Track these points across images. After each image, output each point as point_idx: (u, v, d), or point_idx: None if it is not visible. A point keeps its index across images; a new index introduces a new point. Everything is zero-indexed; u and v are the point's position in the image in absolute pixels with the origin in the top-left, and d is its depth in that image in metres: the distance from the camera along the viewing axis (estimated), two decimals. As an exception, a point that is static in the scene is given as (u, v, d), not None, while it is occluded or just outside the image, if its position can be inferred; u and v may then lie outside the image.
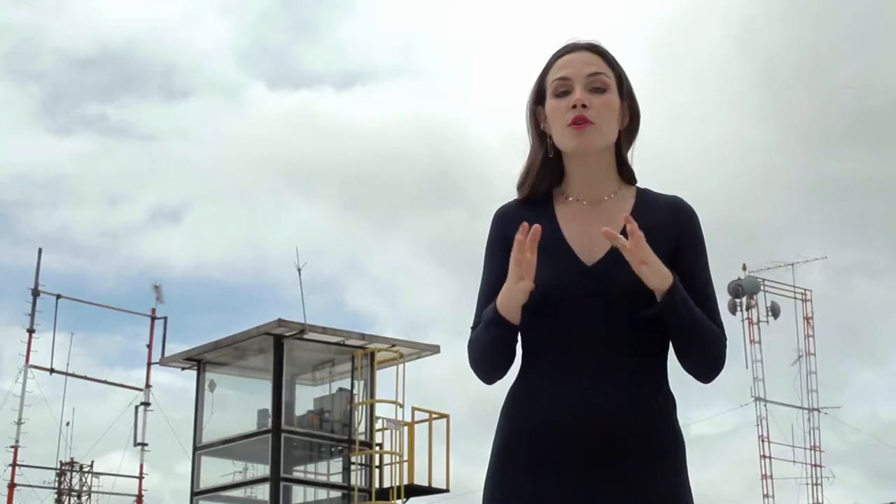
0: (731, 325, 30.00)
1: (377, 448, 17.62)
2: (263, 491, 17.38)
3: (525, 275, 2.54)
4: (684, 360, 2.66)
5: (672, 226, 2.71)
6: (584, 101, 2.67)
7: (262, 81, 55.40)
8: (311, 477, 18.03)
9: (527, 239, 2.53)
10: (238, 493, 18.18)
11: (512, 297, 2.56)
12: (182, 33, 51.03)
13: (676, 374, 2.70)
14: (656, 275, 2.54)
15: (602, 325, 2.58)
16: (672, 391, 2.68)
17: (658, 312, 2.56)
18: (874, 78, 39.64)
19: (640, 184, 2.81)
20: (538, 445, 2.59)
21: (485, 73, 52.22)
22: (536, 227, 2.54)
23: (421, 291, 46.15)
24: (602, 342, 2.59)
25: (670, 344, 2.66)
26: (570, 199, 2.76)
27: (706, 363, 2.66)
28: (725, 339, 2.69)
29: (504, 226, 2.75)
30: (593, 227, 2.67)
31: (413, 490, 17.42)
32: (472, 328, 2.74)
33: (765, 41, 43.15)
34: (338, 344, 17.83)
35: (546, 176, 2.77)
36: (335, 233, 45.28)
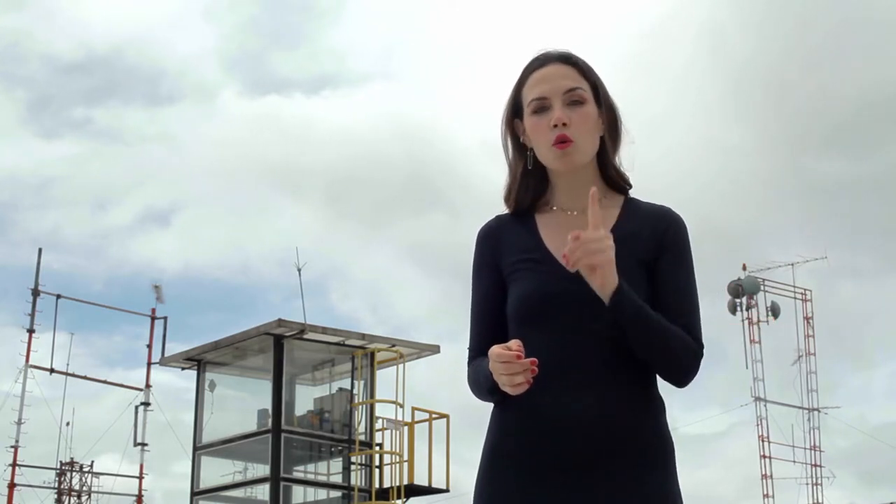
0: (731, 325, 30.03)
1: (377, 448, 17.63)
2: (263, 491, 17.39)
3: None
4: (650, 365, 2.65)
5: (652, 234, 2.71)
6: (563, 120, 2.67)
7: (246, 86, 55.66)
8: (311, 477, 18.04)
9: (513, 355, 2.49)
10: (238, 493, 18.19)
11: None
12: (168, 39, 51.34)
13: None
14: (605, 280, 2.51)
15: (588, 330, 2.58)
16: (661, 394, 2.69)
17: (609, 317, 2.55)
18: (846, 84, 39.97)
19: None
20: (527, 449, 2.60)
21: (466, 78, 52.56)
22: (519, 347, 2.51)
23: (404, 295, 46.39)
24: (588, 348, 2.59)
25: None
26: (555, 208, 2.78)
27: (669, 368, 2.64)
28: (700, 349, 2.67)
29: (486, 246, 2.78)
30: None
31: (413, 490, 17.43)
32: (469, 354, 2.77)
33: (737, 49, 43.58)
34: (338, 344, 17.84)
35: (530, 187, 2.78)
36: (319, 236, 45.62)
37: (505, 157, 2.83)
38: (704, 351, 2.69)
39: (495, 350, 2.51)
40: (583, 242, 2.49)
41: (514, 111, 2.79)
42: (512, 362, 2.48)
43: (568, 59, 2.76)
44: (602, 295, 2.54)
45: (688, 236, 2.75)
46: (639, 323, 2.56)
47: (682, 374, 2.65)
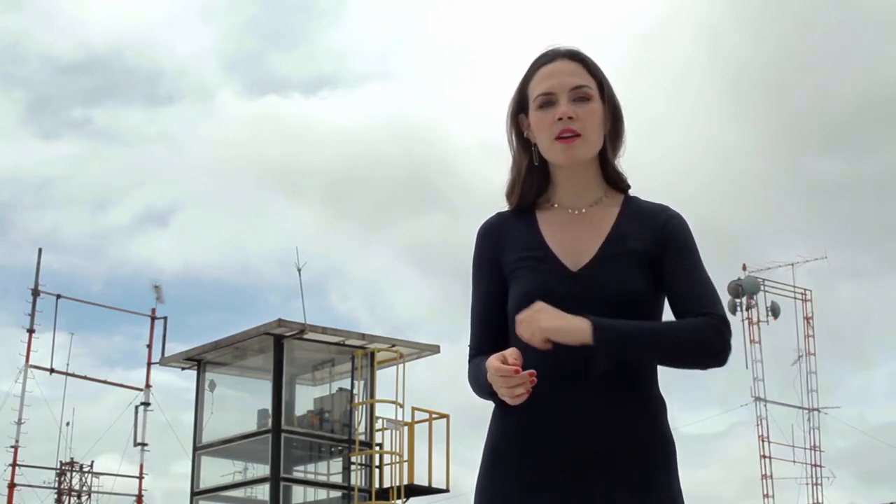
0: (731, 325, 29.97)
1: (377, 448, 17.63)
2: (263, 491, 17.39)
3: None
4: (682, 367, 2.65)
5: (651, 231, 2.71)
6: (570, 114, 2.68)
7: (245, 86, 55.74)
8: (311, 477, 18.04)
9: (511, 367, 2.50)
10: (238, 493, 18.19)
11: None
12: (167, 39, 51.46)
13: (672, 376, 2.71)
14: (572, 334, 2.52)
15: None
16: (662, 394, 2.69)
17: (605, 360, 2.55)
18: (845, 84, 40.07)
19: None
20: (528, 449, 2.60)
21: (465, 78, 52.67)
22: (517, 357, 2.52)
23: (403, 295, 46.47)
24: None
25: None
26: (556, 206, 2.78)
27: (698, 359, 2.63)
28: (721, 323, 2.64)
29: (488, 242, 2.78)
30: (577, 234, 2.70)
31: (413, 490, 17.43)
32: (470, 352, 2.76)
33: (736, 49, 43.72)
34: (338, 344, 17.84)
35: (534, 183, 2.78)
36: (319, 236, 45.71)
37: (510, 152, 2.83)
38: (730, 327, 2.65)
39: (493, 364, 2.51)
40: (521, 322, 2.54)
41: (520, 106, 2.79)
42: (511, 377, 2.49)
43: (576, 56, 2.77)
44: (584, 341, 2.52)
45: (687, 227, 2.75)
46: (636, 342, 2.56)
47: (713, 356, 2.62)
